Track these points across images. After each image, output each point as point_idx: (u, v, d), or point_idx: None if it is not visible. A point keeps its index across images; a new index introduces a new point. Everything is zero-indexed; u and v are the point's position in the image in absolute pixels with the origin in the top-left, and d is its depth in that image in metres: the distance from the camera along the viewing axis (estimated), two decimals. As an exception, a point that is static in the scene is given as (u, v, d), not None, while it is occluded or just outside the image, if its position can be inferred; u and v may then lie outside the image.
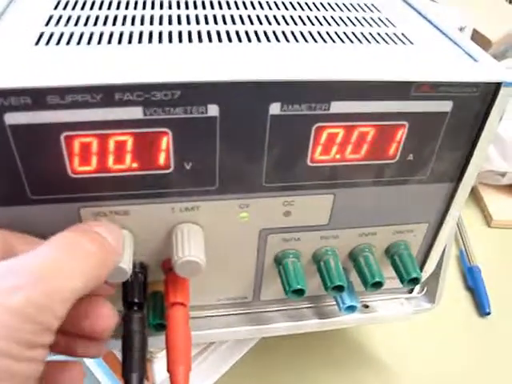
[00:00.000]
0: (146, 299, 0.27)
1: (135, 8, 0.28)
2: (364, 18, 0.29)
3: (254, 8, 0.29)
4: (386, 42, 0.26)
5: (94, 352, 0.24)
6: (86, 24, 0.25)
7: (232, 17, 0.28)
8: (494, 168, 0.55)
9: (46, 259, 0.19)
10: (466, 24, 0.57)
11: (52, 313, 0.18)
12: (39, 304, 0.17)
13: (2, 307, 0.17)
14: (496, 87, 0.24)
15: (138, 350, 0.24)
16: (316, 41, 0.26)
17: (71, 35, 0.24)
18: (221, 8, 0.29)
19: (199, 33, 0.25)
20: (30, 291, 0.17)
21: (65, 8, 0.27)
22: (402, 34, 0.28)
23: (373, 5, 0.32)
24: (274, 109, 0.23)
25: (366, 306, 0.34)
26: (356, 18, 0.29)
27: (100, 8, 0.27)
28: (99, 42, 0.23)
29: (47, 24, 0.25)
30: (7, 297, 0.17)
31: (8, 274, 0.18)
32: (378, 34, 0.27)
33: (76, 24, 0.25)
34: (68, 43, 0.23)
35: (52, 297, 0.18)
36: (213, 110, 0.22)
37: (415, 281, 0.30)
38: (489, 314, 0.45)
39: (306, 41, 0.25)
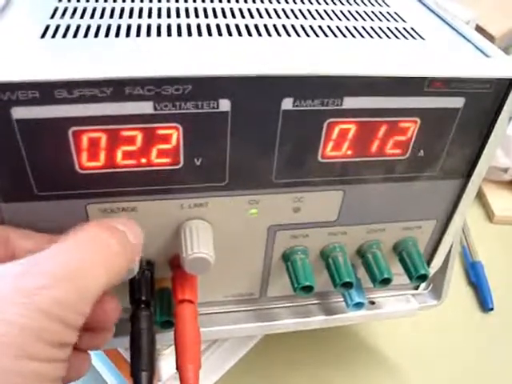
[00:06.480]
0: (153, 296, 0.27)
1: (141, 1, 0.27)
2: (373, 13, 0.29)
3: (262, 2, 0.29)
4: (397, 38, 0.26)
5: (96, 344, 0.24)
6: (92, 16, 0.25)
7: (241, 10, 0.27)
8: (497, 164, 0.55)
9: (69, 257, 0.19)
10: (469, 19, 0.56)
11: (78, 311, 0.18)
12: (65, 303, 0.17)
13: (29, 306, 0.16)
14: (509, 84, 0.24)
15: (146, 349, 0.24)
16: (327, 35, 0.25)
17: (78, 28, 0.23)
18: (229, 1, 0.28)
19: (208, 26, 0.25)
20: (56, 290, 0.17)
21: (70, 0, 0.26)
22: (413, 29, 0.27)
23: (381, -1, 0.31)
24: (287, 104, 0.22)
25: (373, 303, 0.34)
26: (365, 12, 0.29)
27: (106, 0, 0.27)
28: (107, 35, 0.23)
29: (52, 16, 0.25)
30: (33, 297, 0.16)
31: (32, 272, 0.17)
32: (389, 29, 0.27)
33: (82, 16, 0.25)
34: (75, 36, 0.23)
35: (77, 295, 0.18)
36: (224, 105, 0.22)
37: (423, 277, 0.30)
38: (492, 309, 0.45)
39: (317, 35, 0.25)
